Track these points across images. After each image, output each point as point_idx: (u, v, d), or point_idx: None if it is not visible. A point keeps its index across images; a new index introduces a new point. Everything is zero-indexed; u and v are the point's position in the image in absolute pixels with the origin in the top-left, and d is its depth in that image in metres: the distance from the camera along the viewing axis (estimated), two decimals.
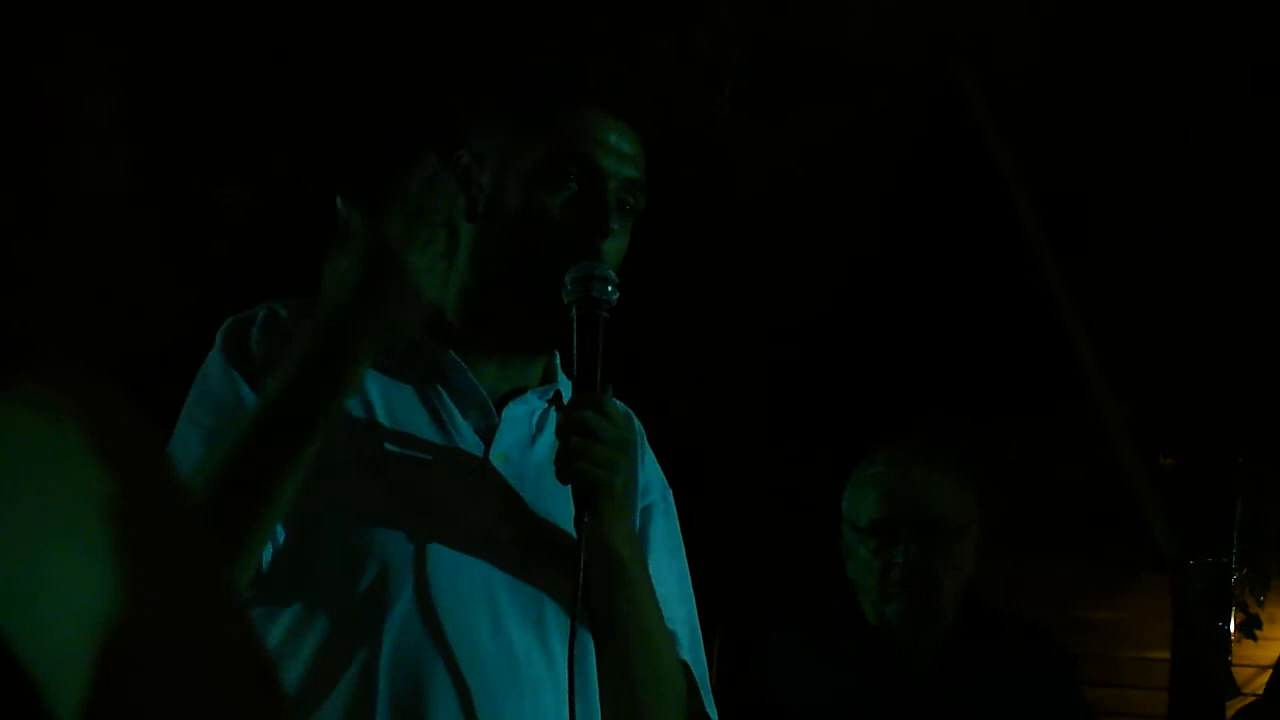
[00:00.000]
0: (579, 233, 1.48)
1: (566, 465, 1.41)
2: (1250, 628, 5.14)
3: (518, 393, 1.55)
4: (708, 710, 1.61)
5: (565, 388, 1.58)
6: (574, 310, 1.45)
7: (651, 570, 1.56)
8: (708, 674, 1.65)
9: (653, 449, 1.70)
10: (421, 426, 1.48)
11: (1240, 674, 4.90)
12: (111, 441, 0.73)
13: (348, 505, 1.41)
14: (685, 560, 1.68)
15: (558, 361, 1.61)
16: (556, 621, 1.45)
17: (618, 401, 1.60)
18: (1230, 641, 4.67)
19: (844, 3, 4.15)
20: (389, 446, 1.45)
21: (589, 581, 1.42)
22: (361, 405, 1.46)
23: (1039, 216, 4.54)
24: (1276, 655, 3.09)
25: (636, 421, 1.67)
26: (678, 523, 1.68)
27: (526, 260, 1.49)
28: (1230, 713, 4.34)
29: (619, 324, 1.48)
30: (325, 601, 1.38)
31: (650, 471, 1.66)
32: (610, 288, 1.46)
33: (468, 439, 1.50)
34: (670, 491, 1.68)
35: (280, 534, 1.39)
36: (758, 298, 5.02)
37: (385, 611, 1.37)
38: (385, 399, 1.48)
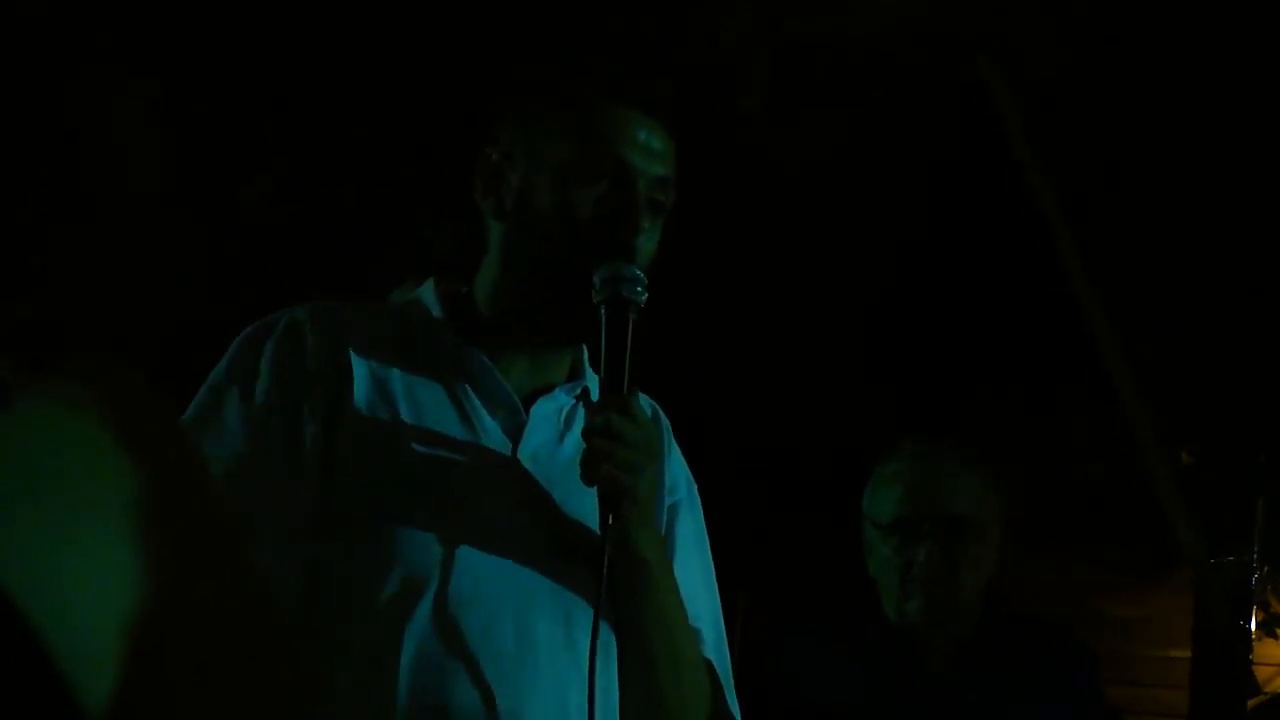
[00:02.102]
0: (610, 231, 1.48)
1: (592, 469, 1.42)
2: (1271, 626, 5.11)
3: (546, 389, 1.55)
4: (731, 708, 1.61)
5: (592, 383, 1.58)
6: (603, 311, 1.45)
7: (677, 567, 1.57)
8: (731, 670, 1.64)
9: (679, 444, 1.70)
10: (449, 426, 1.48)
11: (1261, 673, 4.87)
12: (139, 436, 0.74)
13: (375, 505, 1.41)
14: (710, 556, 1.68)
15: (585, 356, 1.61)
16: (582, 619, 1.44)
17: (644, 397, 1.60)
18: (1251, 640, 4.65)
19: (863, 4, 4.15)
20: (416, 446, 1.45)
21: (613, 584, 1.42)
22: (388, 405, 1.46)
23: (1063, 212, 4.53)
24: None
25: (663, 417, 1.68)
26: (703, 518, 1.68)
27: (556, 259, 1.49)
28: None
29: (645, 318, 1.47)
30: (351, 601, 1.38)
31: (676, 468, 1.66)
32: (639, 288, 1.46)
33: (495, 438, 1.50)
34: (695, 487, 1.69)
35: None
36: (782, 293, 5.02)
37: (411, 611, 1.37)
38: (411, 398, 1.48)
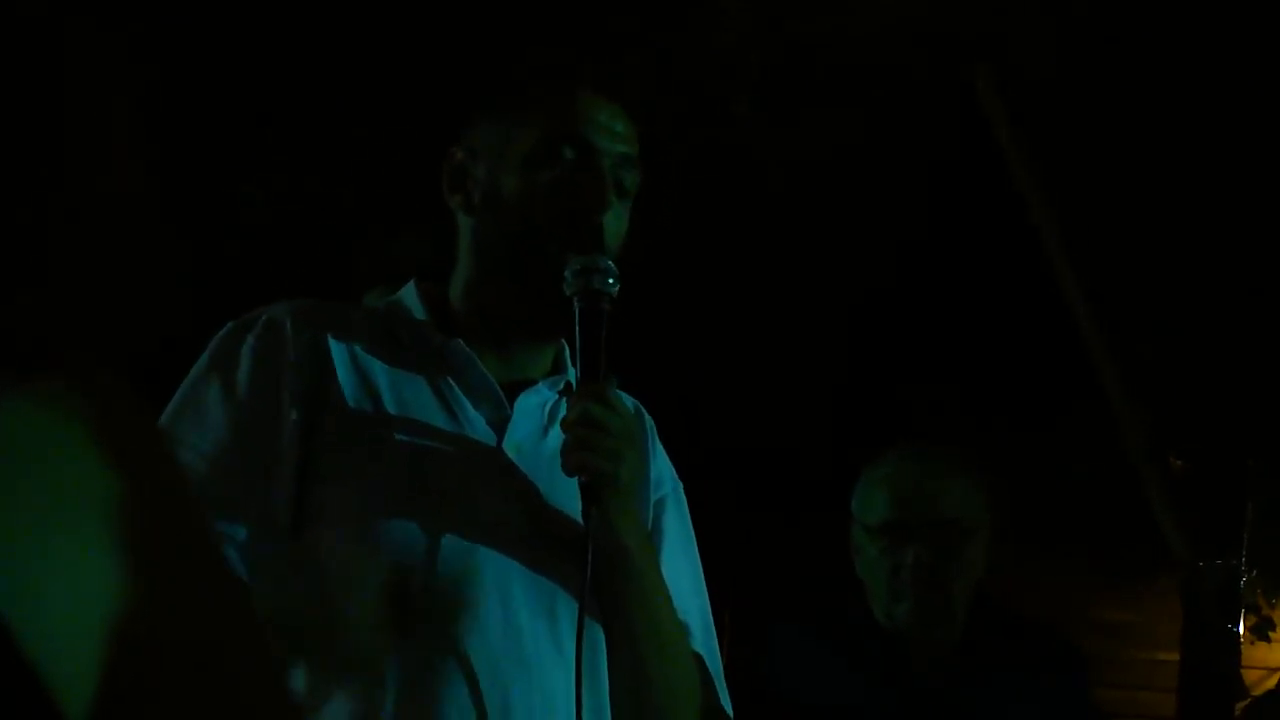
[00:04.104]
0: (577, 206, 1.49)
1: (573, 458, 1.43)
2: (1262, 630, 5.12)
3: (528, 383, 1.55)
4: (722, 703, 1.61)
5: (574, 377, 1.59)
6: (576, 303, 1.46)
7: (665, 564, 1.57)
8: (721, 667, 1.65)
9: (666, 443, 1.70)
10: (433, 418, 1.48)
11: (1250, 676, 4.88)
12: (120, 440, 0.74)
13: (359, 497, 1.41)
14: (697, 554, 1.68)
15: (566, 351, 1.61)
16: (567, 612, 1.45)
17: (626, 395, 1.61)
18: (1240, 643, 4.66)
19: (862, 4, 4.15)
20: (400, 438, 1.45)
21: (597, 573, 1.43)
22: (371, 397, 1.46)
23: (1054, 217, 4.54)
24: None
25: (647, 416, 1.68)
26: (689, 516, 1.69)
27: (526, 243, 1.50)
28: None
29: (631, 316, 1.49)
30: (336, 593, 1.38)
31: (661, 465, 1.67)
32: (611, 279, 1.47)
33: (480, 430, 1.50)
34: (681, 485, 1.69)
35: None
36: (776, 293, 5.02)
37: (397, 602, 1.37)
38: (396, 392, 1.48)
